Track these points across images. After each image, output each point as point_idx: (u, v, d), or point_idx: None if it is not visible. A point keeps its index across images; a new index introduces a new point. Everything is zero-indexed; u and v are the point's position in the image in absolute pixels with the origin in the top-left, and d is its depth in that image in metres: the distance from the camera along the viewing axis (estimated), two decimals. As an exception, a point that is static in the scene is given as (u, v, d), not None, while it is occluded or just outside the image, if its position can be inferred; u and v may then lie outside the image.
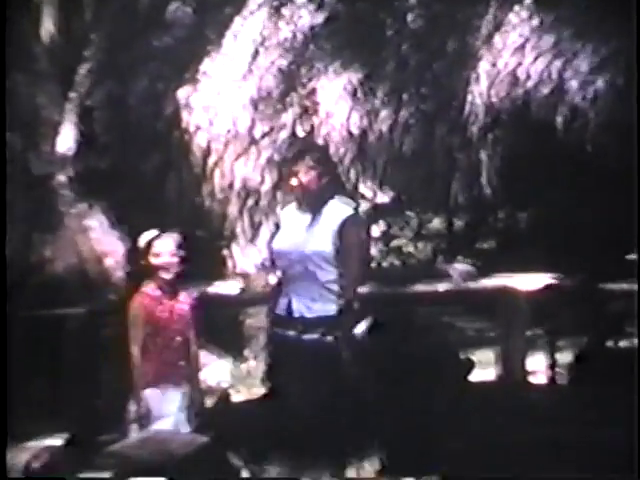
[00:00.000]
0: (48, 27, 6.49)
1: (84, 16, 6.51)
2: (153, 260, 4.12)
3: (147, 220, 6.46)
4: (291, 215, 3.93)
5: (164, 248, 4.13)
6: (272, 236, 3.93)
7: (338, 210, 3.90)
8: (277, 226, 3.96)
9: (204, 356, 6.45)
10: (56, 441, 4.76)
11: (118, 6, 6.13)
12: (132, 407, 4.03)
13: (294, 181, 3.85)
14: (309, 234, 3.84)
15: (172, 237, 4.19)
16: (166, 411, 4.02)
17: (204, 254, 7.19)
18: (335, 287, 3.85)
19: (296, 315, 3.81)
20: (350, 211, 3.90)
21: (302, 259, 3.82)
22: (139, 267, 4.20)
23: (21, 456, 3.75)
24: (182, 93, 5.76)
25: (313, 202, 3.83)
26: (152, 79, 5.76)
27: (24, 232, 6.08)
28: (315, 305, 3.82)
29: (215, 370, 6.32)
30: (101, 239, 6.26)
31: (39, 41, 6.42)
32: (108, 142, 5.86)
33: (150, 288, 4.17)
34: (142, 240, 4.20)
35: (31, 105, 6.35)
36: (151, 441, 3.89)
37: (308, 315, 3.81)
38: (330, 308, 3.82)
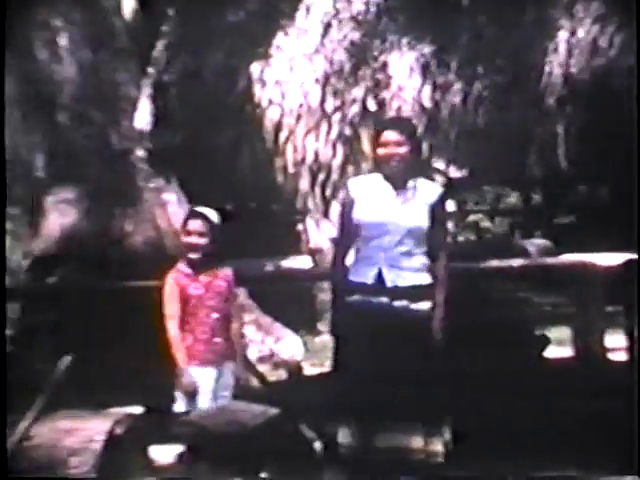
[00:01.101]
0: (129, 3, 6.63)
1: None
2: (185, 238, 4.16)
3: (221, 194, 6.57)
4: (376, 186, 3.92)
5: (194, 228, 4.14)
6: (349, 205, 3.91)
7: (431, 187, 3.92)
8: (348, 195, 3.93)
9: (278, 329, 6.55)
10: (135, 409, 4.89)
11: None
12: (177, 382, 4.10)
13: (382, 151, 3.83)
14: (405, 208, 3.84)
15: (207, 217, 4.18)
16: (203, 387, 4.07)
17: (278, 229, 7.25)
18: (426, 260, 3.87)
19: (389, 285, 3.84)
20: (439, 189, 3.93)
21: (398, 232, 3.83)
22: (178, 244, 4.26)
23: (105, 422, 3.86)
24: (255, 68, 5.80)
25: (401, 175, 3.84)
26: (226, 54, 5.81)
27: (107, 206, 6.25)
28: (408, 274, 3.84)
29: (288, 344, 6.39)
30: (178, 213, 6.38)
31: (121, 18, 6.56)
32: (183, 117, 5.94)
33: (185, 265, 4.20)
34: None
35: (112, 81, 6.50)
36: (224, 412, 3.98)
37: (401, 284, 3.83)
38: (423, 278, 3.84)
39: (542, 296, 8.03)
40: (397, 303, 3.80)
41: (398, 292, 3.81)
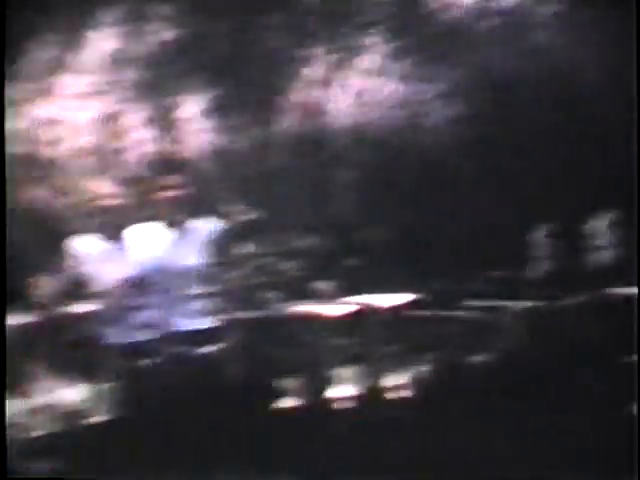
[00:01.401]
0: None
1: None
2: None
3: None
4: (153, 231, 3.90)
5: None
6: (126, 252, 3.85)
7: (205, 226, 3.91)
8: (130, 242, 3.88)
9: (58, 378, 6.26)
10: None
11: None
12: None
13: (159, 196, 3.82)
14: (177, 249, 3.83)
15: None
16: None
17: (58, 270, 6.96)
18: (207, 302, 3.85)
19: (173, 329, 3.79)
20: (218, 226, 3.93)
21: (179, 276, 3.80)
22: None
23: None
24: (36, 106, 5.60)
25: (177, 218, 3.83)
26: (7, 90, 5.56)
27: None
28: (187, 319, 3.81)
29: (69, 392, 6.14)
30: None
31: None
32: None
33: None
34: None
35: None
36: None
37: (190, 329, 3.79)
38: (209, 322, 3.82)
39: (329, 337, 8.24)
40: (183, 348, 3.78)
41: (187, 338, 3.79)
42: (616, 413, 4.98)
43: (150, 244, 3.87)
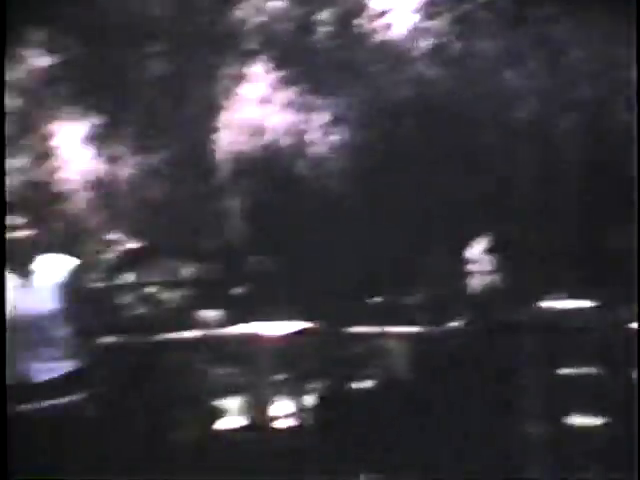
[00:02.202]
0: None
1: None
2: None
3: None
4: None
5: None
6: None
7: (56, 263, 3.72)
8: None
9: None
10: None
11: None
12: None
13: (11, 235, 3.61)
14: (31, 295, 3.62)
15: None
16: None
17: None
18: (72, 341, 3.67)
19: (43, 378, 3.58)
20: (69, 262, 3.74)
21: (32, 323, 3.58)
22: None
23: None
24: None
25: (25, 260, 3.62)
26: None
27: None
28: (57, 364, 3.61)
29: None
30: None
31: None
32: None
33: None
34: None
35: None
36: None
37: (55, 375, 3.59)
38: (73, 364, 3.63)
39: (217, 367, 8.13)
40: (53, 401, 3.59)
41: (55, 385, 3.60)
42: (503, 433, 5.09)
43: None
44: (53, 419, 3.56)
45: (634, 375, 4.89)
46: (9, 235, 3.56)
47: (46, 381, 3.58)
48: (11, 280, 3.57)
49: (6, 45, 5.20)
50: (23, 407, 3.55)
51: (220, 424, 6.61)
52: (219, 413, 6.69)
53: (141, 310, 8.78)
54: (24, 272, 3.60)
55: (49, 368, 3.59)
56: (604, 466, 4.71)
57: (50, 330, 3.59)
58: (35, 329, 3.57)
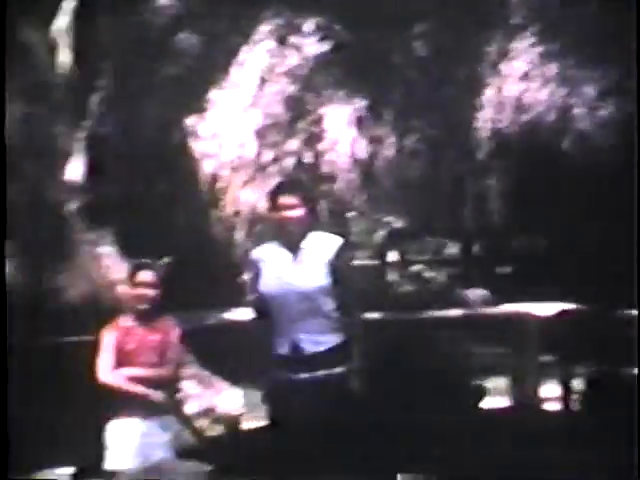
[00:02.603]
0: (64, 58, 6.66)
1: (97, 46, 6.62)
2: (134, 290, 4.11)
3: (157, 246, 6.51)
4: (272, 254, 3.89)
5: (144, 279, 4.10)
6: (255, 277, 3.90)
7: (326, 242, 3.89)
8: (254, 266, 3.91)
9: (217, 383, 6.48)
10: (64, 471, 4.78)
11: (129, 36, 6.23)
12: (113, 438, 4.03)
13: (278, 215, 3.82)
14: (301, 270, 3.82)
15: (153, 267, 4.16)
16: (130, 442, 4.00)
17: (217, 280, 7.22)
18: (336, 315, 3.85)
19: (306, 353, 3.78)
20: (338, 241, 3.90)
21: (302, 297, 3.79)
22: (124, 295, 4.20)
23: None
24: (190, 121, 5.83)
25: (296, 238, 3.82)
26: (161, 107, 5.83)
27: (38, 260, 6.16)
28: (323, 337, 3.80)
29: (227, 398, 6.32)
30: (114, 266, 6.32)
31: (55, 72, 6.58)
32: (118, 170, 5.93)
33: (124, 319, 4.15)
34: (128, 269, 4.19)
35: (46, 134, 6.47)
36: (156, 470, 3.90)
37: (319, 349, 3.78)
38: (338, 338, 3.81)
39: (481, 346, 8.10)
40: (319, 373, 3.77)
41: (317, 359, 3.77)
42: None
43: (273, 268, 3.88)
44: (316, 389, 3.76)
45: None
46: (282, 214, 3.81)
47: (314, 353, 3.78)
48: (284, 256, 3.81)
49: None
50: (293, 376, 3.78)
51: (484, 403, 6.58)
52: (482, 393, 6.66)
53: (407, 288, 8.95)
54: (295, 249, 3.82)
55: (316, 341, 3.78)
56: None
57: (317, 304, 3.77)
58: (304, 303, 3.78)
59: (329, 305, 3.82)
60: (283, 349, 3.83)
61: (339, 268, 3.79)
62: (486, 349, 8.31)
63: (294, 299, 3.78)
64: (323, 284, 3.80)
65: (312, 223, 3.78)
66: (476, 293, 8.45)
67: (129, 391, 3.97)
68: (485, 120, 5.94)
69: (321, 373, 3.75)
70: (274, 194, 3.89)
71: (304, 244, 3.82)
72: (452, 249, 9.55)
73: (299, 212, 3.79)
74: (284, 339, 3.84)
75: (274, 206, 3.85)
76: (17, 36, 6.32)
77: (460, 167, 5.93)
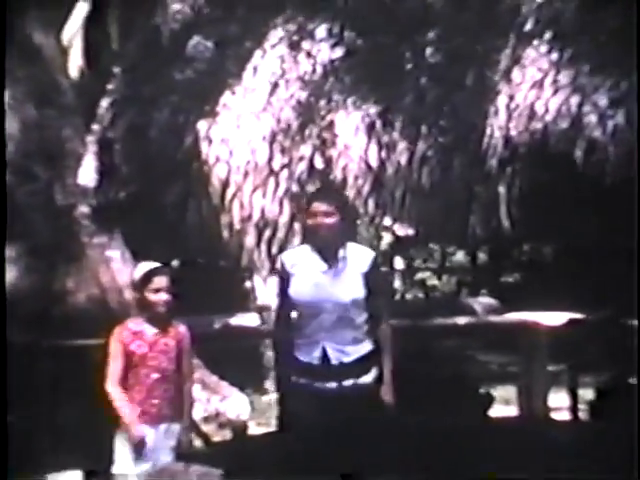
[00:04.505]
0: (76, 61, 6.66)
1: (108, 50, 6.63)
2: (151, 296, 4.10)
3: (166, 250, 6.51)
4: (307, 259, 3.89)
5: (161, 284, 4.10)
6: (285, 281, 3.89)
7: (361, 254, 3.91)
8: (284, 270, 3.90)
9: (224, 388, 6.46)
10: (74, 474, 4.76)
11: (141, 40, 6.24)
12: (121, 444, 4.02)
13: (312, 222, 3.84)
14: (339, 282, 3.82)
15: (166, 272, 4.17)
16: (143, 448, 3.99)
17: (225, 285, 7.20)
18: (366, 326, 3.85)
19: (334, 362, 3.79)
20: (371, 253, 3.93)
21: (336, 308, 3.80)
22: (135, 300, 4.19)
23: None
24: (202, 125, 5.84)
25: (332, 246, 3.83)
26: (173, 111, 5.84)
27: (49, 263, 6.15)
28: (351, 348, 3.81)
29: (234, 403, 6.30)
30: (122, 270, 6.30)
31: (66, 75, 6.58)
32: (128, 173, 5.93)
33: (134, 322, 4.15)
34: (139, 273, 4.19)
35: (57, 138, 6.48)
36: (164, 473, 3.89)
37: (346, 360, 3.79)
38: (366, 347, 3.82)
39: (487, 354, 8.08)
40: (345, 382, 3.77)
41: (344, 369, 3.78)
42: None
43: (306, 274, 3.88)
44: (342, 398, 3.75)
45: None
46: (316, 220, 3.81)
47: (341, 363, 3.77)
48: (318, 263, 3.81)
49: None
50: (317, 384, 3.77)
51: (491, 412, 6.56)
52: (490, 400, 6.64)
53: (413, 295, 8.93)
54: (329, 257, 3.81)
55: (343, 351, 3.77)
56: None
57: (350, 316, 3.78)
58: (337, 313, 3.77)
59: (362, 317, 3.83)
60: (308, 357, 3.82)
61: (373, 280, 3.82)
62: (493, 357, 8.28)
63: (328, 309, 3.78)
64: (359, 296, 3.81)
65: (345, 231, 3.80)
66: (483, 301, 8.43)
67: (119, 410, 3.96)
68: (496, 127, 5.95)
69: (347, 382, 3.75)
70: (309, 200, 3.92)
71: (341, 254, 3.84)
72: (459, 257, 9.54)
73: (332, 219, 3.81)
74: (311, 347, 3.82)
75: (308, 212, 3.88)
76: (29, 39, 6.34)
77: (470, 174, 5.93)
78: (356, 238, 4.19)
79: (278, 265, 4.04)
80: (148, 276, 4.15)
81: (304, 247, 3.93)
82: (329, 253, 3.83)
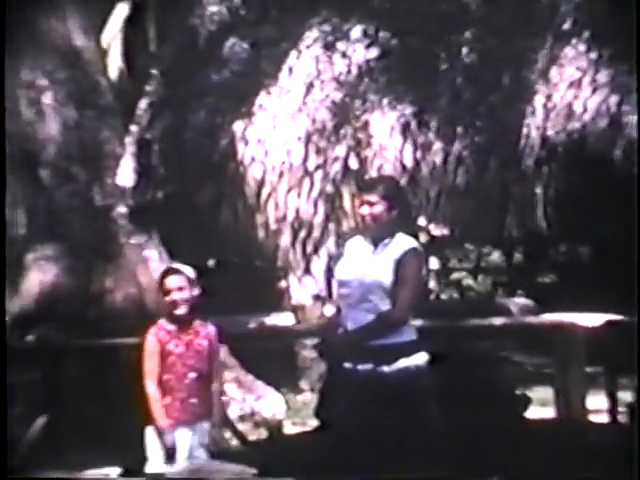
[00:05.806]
0: (115, 63, 6.74)
1: (147, 52, 6.70)
2: (166, 297, 4.14)
3: (203, 251, 6.56)
4: (356, 245, 4.01)
5: (173, 284, 4.13)
6: (331, 265, 4.02)
7: (401, 242, 3.95)
8: (339, 255, 4.03)
9: (259, 387, 6.50)
10: (112, 471, 4.82)
11: (178, 42, 6.30)
12: (153, 442, 4.06)
13: (365, 210, 3.93)
14: (371, 263, 3.89)
15: (183, 272, 4.19)
16: (178, 448, 4.03)
17: (260, 285, 7.23)
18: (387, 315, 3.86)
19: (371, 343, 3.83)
20: (413, 243, 3.96)
21: (362, 288, 3.87)
22: (157, 303, 4.24)
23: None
24: (238, 126, 5.88)
25: (380, 233, 3.91)
26: (209, 112, 5.88)
27: (87, 263, 6.23)
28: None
29: (270, 402, 6.33)
30: (159, 270, 6.35)
31: (106, 77, 6.67)
32: (166, 174, 5.99)
33: (165, 322, 4.18)
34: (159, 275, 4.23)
35: (96, 139, 6.56)
36: (199, 472, 3.94)
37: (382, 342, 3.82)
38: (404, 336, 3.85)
39: (524, 355, 8.02)
40: (360, 367, 3.80)
41: (361, 351, 3.81)
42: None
43: (352, 257, 3.98)
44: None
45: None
46: (364, 210, 3.90)
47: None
48: (365, 249, 3.89)
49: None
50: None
51: (529, 413, 6.51)
52: (526, 402, 6.59)
53: (448, 295, 8.89)
54: (377, 243, 3.90)
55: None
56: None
57: (368, 295, 3.83)
58: (364, 294, 3.83)
59: (384, 304, 3.85)
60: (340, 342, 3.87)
61: (402, 268, 3.84)
62: (529, 358, 8.22)
63: (356, 288, 3.86)
64: (386, 281, 3.84)
65: (395, 221, 3.87)
66: (519, 302, 8.37)
67: (154, 411, 3.99)
68: (533, 127, 5.91)
69: (362, 368, 3.77)
70: (367, 189, 4.02)
71: (386, 241, 3.93)
72: (495, 257, 9.48)
73: (379, 209, 3.89)
74: (339, 328, 3.90)
75: (361, 202, 3.99)
76: (69, 42, 6.42)
77: (506, 174, 5.91)
78: (412, 228, 4.24)
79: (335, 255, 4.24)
80: (161, 278, 4.18)
81: (358, 236, 4.07)
82: (376, 241, 3.93)
